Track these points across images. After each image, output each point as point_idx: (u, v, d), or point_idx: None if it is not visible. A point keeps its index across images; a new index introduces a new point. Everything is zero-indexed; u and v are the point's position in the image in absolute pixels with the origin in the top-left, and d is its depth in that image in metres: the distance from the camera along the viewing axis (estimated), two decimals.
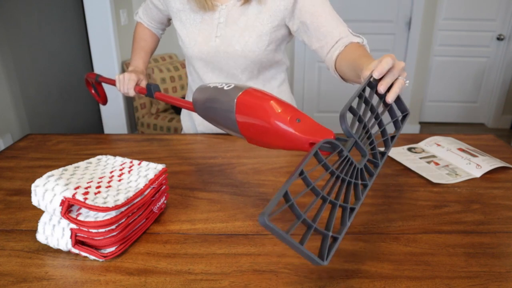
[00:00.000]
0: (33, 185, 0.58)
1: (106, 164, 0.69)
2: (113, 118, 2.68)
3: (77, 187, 0.57)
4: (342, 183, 0.48)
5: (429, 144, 0.98)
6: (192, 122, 1.18)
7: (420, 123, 3.48)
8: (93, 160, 0.70)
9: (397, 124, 0.62)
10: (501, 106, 3.40)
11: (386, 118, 0.60)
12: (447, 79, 3.36)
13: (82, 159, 0.91)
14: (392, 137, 0.60)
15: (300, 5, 0.90)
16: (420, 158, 0.91)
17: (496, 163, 0.86)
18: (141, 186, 0.62)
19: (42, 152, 0.97)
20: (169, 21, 1.14)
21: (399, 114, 0.63)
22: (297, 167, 0.44)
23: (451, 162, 0.89)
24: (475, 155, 0.90)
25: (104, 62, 2.55)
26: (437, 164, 0.88)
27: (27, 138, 1.06)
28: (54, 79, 2.95)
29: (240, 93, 0.60)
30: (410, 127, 3.34)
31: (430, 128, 3.44)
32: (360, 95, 0.55)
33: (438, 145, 0.96)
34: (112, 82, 1.06)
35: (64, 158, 0.93)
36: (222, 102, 0.62)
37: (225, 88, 0.64)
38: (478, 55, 3.26)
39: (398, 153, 0.94)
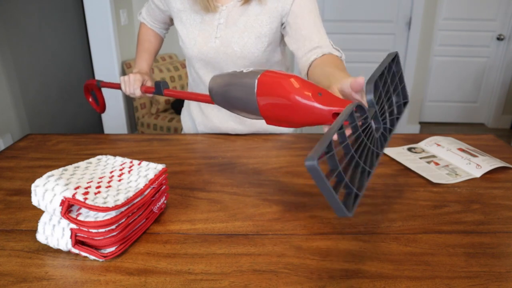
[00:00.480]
0: (33, 185, 0.58)
1: (106, 164, 0.69)
2: (113, 118, 2.68)
3: (77, 187, 0.57)
4: (364, 148, 0.50)
5: (429, 144, 0.98)
6: (192, 122, 1.18)
7: (420, 123, 3.49)
8: (93, 160, 0.70)
9: (399, 109, 0.64)
10: (501, 106, 3.40)
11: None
12: (447, 79, 3.36)
13: (82, 159, 0.91)
14: (397, 118, 0.62)
15: (293, 7, 0.91)
16: (420, 158, 0.91)
17: (496, 163, 0.86)
18: (141, 186, 0.62)
19: (42, 152, 0.97)
20: (172, 21, 1.13)
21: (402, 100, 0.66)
22: (334, 124, 0.45)
23: (451, 162, 0.89)
24: (475, 155, 0.90)
25: (104, 62, 2.55)
26: (437, 164, 0.88)
27: (27, 138, 1.06)
28: (54, 79, 2.96)
29: (261, 74, 0.62)
30: (410, 127, 3.34)
31: (430, 128, 3.44)
32: (382, 73, 0.56)
33: (438, 145, 0.96)
34: (114, 86, 1.06)
35: (64, 158, 0.93)
36: (242, 84, 0.64)
37: (244, 71, 0.65)
38: (478, 55, 3.26)
39: (398, 153, 0.94)
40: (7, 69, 2.46)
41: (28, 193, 0.77)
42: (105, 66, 2.55)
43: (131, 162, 0.70)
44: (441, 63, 3.30)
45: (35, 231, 0.64)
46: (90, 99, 1.18)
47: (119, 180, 0.64)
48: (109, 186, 0.61)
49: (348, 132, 0.48)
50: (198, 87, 1.09)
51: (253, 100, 0.63)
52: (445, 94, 3.42)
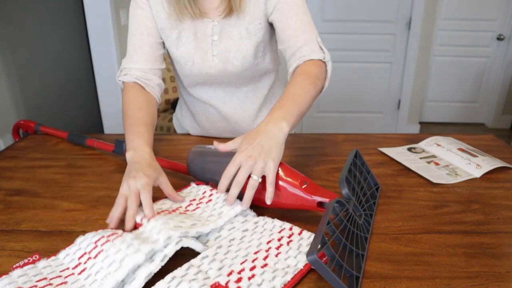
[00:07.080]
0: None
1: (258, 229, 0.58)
2: (113, 118, 2.68)
3: (231, 273, 0.48)
4: (353, 235, 0.57)
5: (429, 144, 0.98)
6: (186, 130, 1.15)
7: (420, 123, 3.49)
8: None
9: (374, 194, 0.73)
10: (501, 106, 3.40)
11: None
12: (447, 79, 3.36)
13: (82, 159, 0.91)
14: (374, 203, 0.71)
15: (278, 5, 0.86)
16: (420, 158, 0.91)
17: (496, 163, 0.86)
18: (301, 265, 0.52)
19: (42, 152, 0.97)
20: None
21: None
22: (322, 220, 0.52)
23: (451, 162, 0.89)
24: (475, 155, 0.90)
25: (104, 62, 2.55)
26: (437, 164, 0.88)
27: (27, 138, 1.06)
28: (54, 79, 2.96)
29: None
30: (410, 127, 3.34)
31: (430, 128, 3.44)
32: (350, 169, 0.67)
33: (438, 145, 0.96)
34: (59, 134, 1.00)
35: (64, 158, 0.93)
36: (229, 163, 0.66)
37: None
38: (478, 55, 3.26)
39: (398, 153, 0.94)
40: (7, 69, 2.46)
41: (28, 193, 0.77)
42: (105, 66, 2.55)
43: (290, 229, 0.59)
44: (441, 63, 3.30)
45: (35, 231, 0.64)
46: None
47: (276, 255, 0.53)
48: (265, 265, 0.50)
49: (335, 224, 0.55)
50: (199, 107, 1.03)
51: None
52: (445, 94, 3.42)
